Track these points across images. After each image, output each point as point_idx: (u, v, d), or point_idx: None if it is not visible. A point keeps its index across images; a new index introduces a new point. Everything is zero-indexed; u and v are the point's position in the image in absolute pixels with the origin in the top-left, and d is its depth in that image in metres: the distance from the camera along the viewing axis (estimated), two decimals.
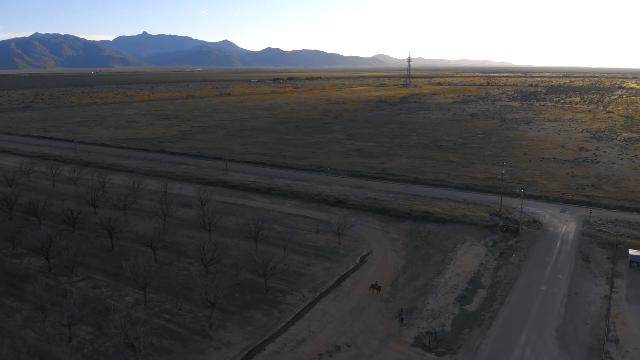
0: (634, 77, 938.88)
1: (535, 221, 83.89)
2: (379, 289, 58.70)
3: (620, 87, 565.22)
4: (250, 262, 63.56)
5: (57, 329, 50.96)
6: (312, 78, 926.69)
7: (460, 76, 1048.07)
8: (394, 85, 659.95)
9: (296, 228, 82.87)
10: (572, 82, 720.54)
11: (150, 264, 59.39)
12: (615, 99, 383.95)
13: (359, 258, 70.42)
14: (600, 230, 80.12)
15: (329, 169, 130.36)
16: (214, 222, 79.46)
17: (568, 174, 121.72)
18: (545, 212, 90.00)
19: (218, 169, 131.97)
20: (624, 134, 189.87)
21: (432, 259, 70.04)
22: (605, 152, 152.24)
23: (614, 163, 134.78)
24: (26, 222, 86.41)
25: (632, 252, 69.13)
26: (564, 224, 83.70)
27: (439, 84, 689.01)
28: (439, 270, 66.04)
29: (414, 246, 75.02)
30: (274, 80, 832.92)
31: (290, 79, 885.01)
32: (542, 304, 56.52)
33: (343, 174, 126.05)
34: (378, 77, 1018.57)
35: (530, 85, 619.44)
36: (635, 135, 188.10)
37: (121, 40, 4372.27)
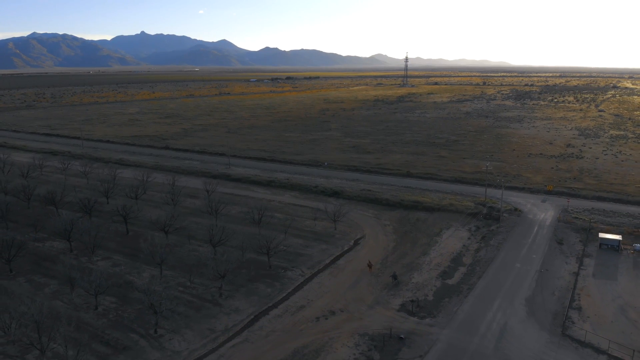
0: (630, 77, 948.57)
1: (516, 209, 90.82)
2: (370, 266, 65.45)
3: (614, 87, 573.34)
4: (254, 243, 70.29)
5: (83, 300, 57.59)
6: (310, 78, 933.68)
7: (458, 76, 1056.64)
8: (392, 85, 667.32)
9: (295, 216, 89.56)
10: (568, 81, 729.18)
11: (164, 243, 66.00)
12: (608, 98, 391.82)
13: (352, 241, 77.24)
14: (576, 218, 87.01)
15: (326, 163, 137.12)
16: (219, 210, 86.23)
17: (552, 168, 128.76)
18: (526, 202, 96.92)
19: (221, 164, 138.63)
20: (611, 132, 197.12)
21: (419, 241, 76.87)
22: (591, 148, 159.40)
23: (597, 158, 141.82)
24: (44, 210, 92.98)
25: (602, 235, 76.16)
26: (543, 212, 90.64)
27: (436, 83, 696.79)
28: (425, 251, 72.88)
29: (404, 231, 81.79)
30: (272, 79, 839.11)
31: (288, 78, 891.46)
32: (515, 279, 63.37)
33: (339, 168, 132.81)
34: (376, 77, 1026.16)
35: (526, 84, 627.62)
36: (622, 132, 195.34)
37: (119, 39, 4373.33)
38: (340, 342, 48.30)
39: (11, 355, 47.25)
